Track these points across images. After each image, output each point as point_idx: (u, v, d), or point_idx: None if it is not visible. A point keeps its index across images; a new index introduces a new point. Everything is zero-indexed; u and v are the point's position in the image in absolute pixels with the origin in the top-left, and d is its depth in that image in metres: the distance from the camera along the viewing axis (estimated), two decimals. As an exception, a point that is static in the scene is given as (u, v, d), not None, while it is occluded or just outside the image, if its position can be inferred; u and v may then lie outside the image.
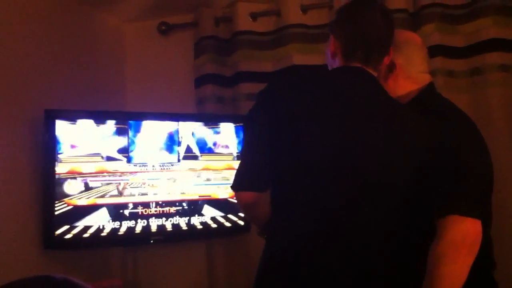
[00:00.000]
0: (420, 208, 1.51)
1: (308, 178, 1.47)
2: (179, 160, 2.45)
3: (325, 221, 1.45)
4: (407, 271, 1.48)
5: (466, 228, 1.43)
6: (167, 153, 2.44)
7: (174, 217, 2.43)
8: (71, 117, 2.25)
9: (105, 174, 2.30)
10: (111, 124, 2.34)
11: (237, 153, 2.56)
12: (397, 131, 1.50)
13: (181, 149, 2.47)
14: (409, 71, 1.69)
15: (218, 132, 2.55)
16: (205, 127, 2.53)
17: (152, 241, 2.41)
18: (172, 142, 2.45)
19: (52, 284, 0.78)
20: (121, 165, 2.34)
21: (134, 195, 2.36)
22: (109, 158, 2.32)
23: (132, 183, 2.36)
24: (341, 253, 1.44)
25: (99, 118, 2.32)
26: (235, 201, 2.47)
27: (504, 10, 2.42)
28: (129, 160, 2.36)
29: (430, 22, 2.47)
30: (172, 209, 2.43)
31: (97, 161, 2.29)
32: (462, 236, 1.42)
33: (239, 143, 2.56)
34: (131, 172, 2.36)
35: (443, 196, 1.47)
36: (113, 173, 2.32)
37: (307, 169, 1.47)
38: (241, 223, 2.55)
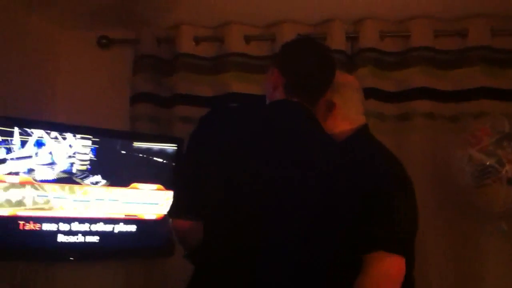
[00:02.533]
0: (347, 246, 1.55)
1: (238, 215, 1.48)
2: (104, 177, 2.39)
3: (254, 261, 1.46)
4: None
5: (390, 264, 1.50)
6: (92, 169, 2.37)
7: (96, 236, 2.35)
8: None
9: (26, 186, 2.20)
10: (36, 135, 2.24)
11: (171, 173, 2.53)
12: (330, 172, 1.55)
13: (108, 166, 2.41)
14: (346, 112, 1.78)
15: (152, 152, 2.52)
16: (138, 145, 2.49)
17: (71, 258, 2.33)
18: (99, 158, 2.38)
19: None
20: (44, 177, 2.25)
21: (55, 210, 2.26)
22: (31, 170, 2.22)
23: (54, 198, 2.26)
24: None
25: (24, 126, 2.22)
26: (160, 222, 2.47)
27: (433, 62, 2.57)
28: (52, 173, 2.27)
29: (365, 65, 2.59)
30: (94, 227, 2.35)
31: (19, 172, 2.19)
32: (386, 271, 1.49)
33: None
34: (54, 185, 2.27)
35: (369, 233, 1.52)
36: (34, 186, 2.22)
37: (237, 206, 1.49)
38: (164, 245, 2.49)
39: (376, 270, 1.49)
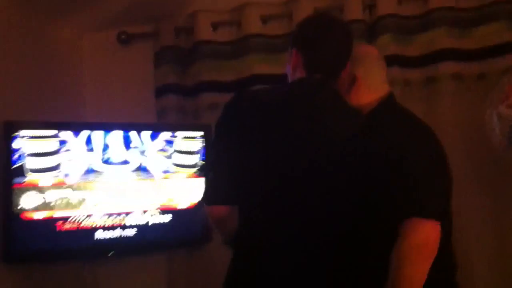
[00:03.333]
0: (378, 213, 1.56)
1: (273, 191, 1.52)
2: (136, 170, 2.44)
3: (292, 235, 1.49)
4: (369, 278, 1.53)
5: (427, 230, 1.49)
6: (127, 164, 2.42)
7: (133, 228, 2.41)
8: (30, 128, 2.22)
9: (63, 186, 2.27)
10: (69, 135, 2.30)
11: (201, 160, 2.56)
12: (357, 142, 1.56)
13: (141, 160, 2.45)
14: (369, 82, 1.76)
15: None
16: (169, 136, 2.52)
17: (111, 254, 2.39)
18: (129, 152, 2.43)
19: None
20: (81, 177, 2.31)
21: (90, 207, 2.32)
22: (64, 171, 2.28)
23: (88, 195, 2.32)
24: (308, 264, 1.48)
25: (58, 129, 2.28)
26: (195, 210, 2.51)
27: (456, 22, 2.51)
28: (88, 171, 2.33)
29: (386, 33, 2.54)
30: (132, 220, 2.41)
31: (56, 174, 2.26)
32: (424, 238, 1.49)
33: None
34: (87, 183, 2.33)
35: (404, 199, 1.52)
36: (71, 186, 2.29)
37: (272, 183, 1.52)
38: (201, 232, 2.54)
39: (413, 237, 1.48)
